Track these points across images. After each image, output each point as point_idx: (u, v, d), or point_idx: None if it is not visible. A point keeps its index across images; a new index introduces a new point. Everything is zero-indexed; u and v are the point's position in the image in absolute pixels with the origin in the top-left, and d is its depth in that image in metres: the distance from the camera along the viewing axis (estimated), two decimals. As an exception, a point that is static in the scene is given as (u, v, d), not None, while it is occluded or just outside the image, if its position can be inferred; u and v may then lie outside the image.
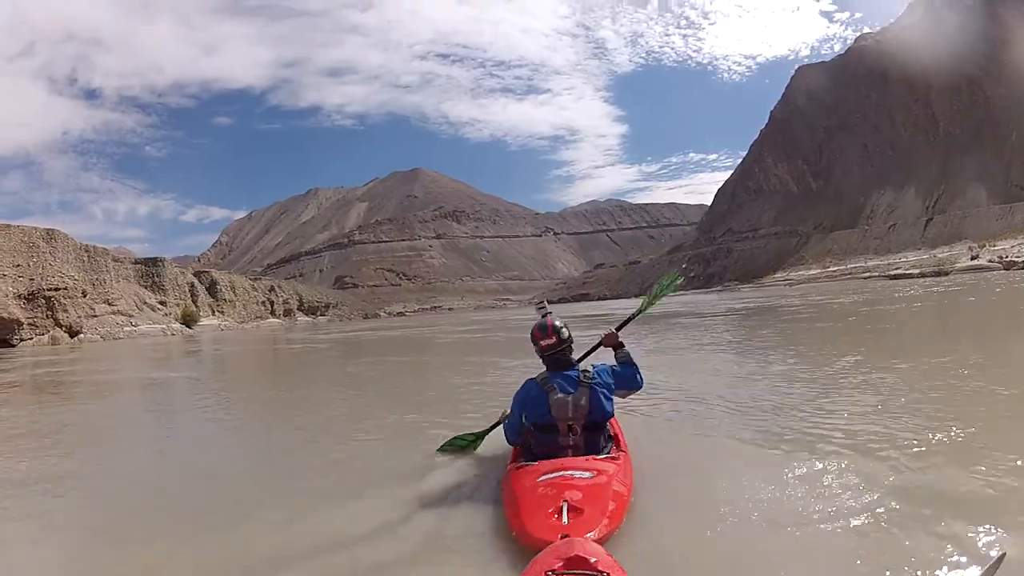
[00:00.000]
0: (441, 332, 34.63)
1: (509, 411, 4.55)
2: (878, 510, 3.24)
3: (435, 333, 33.45)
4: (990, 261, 43.37)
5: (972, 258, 48.13)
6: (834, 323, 17.88)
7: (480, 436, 5.16)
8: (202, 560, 3.41)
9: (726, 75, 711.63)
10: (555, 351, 4.35)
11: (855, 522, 3.12)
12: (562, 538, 2.79)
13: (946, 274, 44.09)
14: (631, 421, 5.29)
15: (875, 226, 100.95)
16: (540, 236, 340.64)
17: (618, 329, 4.79)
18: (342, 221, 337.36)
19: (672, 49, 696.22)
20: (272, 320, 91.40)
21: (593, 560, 2.48)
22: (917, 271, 50.29)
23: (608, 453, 4.25)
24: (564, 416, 4.22)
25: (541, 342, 4.36)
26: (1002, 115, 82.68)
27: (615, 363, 4.55)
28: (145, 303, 62.23)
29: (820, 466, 3.94)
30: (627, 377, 4.52)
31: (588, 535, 3.08)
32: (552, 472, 3.80)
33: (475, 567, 3.07)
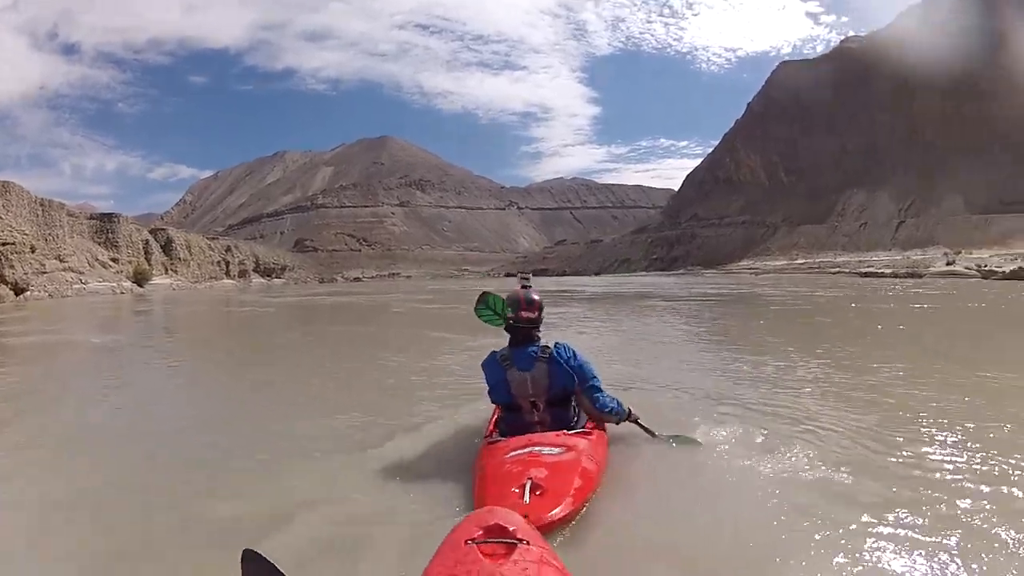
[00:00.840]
0: (396, 301, 34.16)
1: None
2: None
3: (390, 301, 33.43)
4: (967, 268, 42.84)
5: (948, 263, 47.62)
6: (837, 318, 16.85)
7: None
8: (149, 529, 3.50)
9: (704, 66, 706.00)
10: (530, 325, 4.37)
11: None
12: (525, 518, 2.76)
13: (920, 276, 43.64)
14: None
15: (845, 224, 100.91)
16: (504, 209, 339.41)
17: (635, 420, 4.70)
18: (307, 184, 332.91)
19: (653, 36, 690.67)
20: (227, 281, 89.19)
21: (512, 528, 2.52)
22: (890, 271, 49.84)
23: (582, 428, 4.25)
24: (524, 393, 4.25)
25: (523, 312, 4.36)
26: (987, 128, 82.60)
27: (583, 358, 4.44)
28: (97, 260, 60.10)
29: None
30: (608, 402, 4.44)
31: (550, 513, 3.21)
32: (521, 448, 3.81)
33: (433, 537, 2.79)
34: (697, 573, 2.90)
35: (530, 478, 3.43)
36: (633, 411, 4.67)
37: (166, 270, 73.32)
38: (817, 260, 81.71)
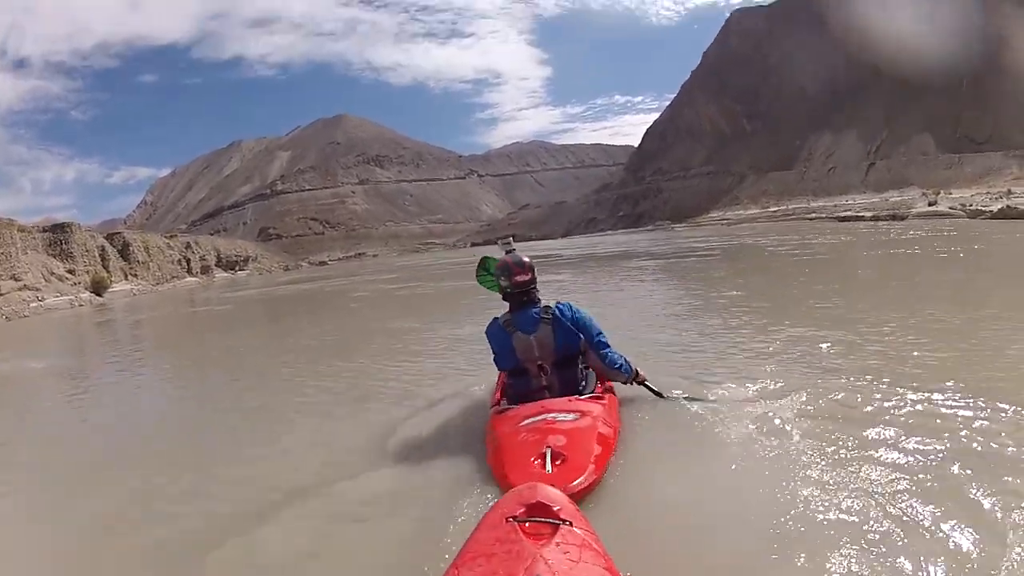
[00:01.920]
0: (360, 284, 33.85)
1: None
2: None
3: (353, 285, 32.74)
4: (951, 208, 42.17)
5: (929, 204, 46.90)
6: (871, 268, 15.31)
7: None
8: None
9: (654, 19, 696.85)
10: (528, 287, 4.45)
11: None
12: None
13: (903, 219, 43.13)
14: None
15: (813, 168, 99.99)
16: (464, 179, 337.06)
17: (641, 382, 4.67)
18: (265, 172, 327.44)
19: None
20: (189, 279, 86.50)
21: (556, 508, 2.49)
22: (870, 214, 49.19)
23: (592, 392, 4.31)
24: (531, 357, 4.30)
25: (516, 277, 4.43)
26: (950, 63, 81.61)
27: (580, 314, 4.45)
28: (53, 274, 57.45)
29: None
30: (615, 359, 4.46)
31: (574, 483, 3.23)
32: (534, 416, 3.83)
33: (452, 512, 3.02)
34: (718, 540, 2.88)
35: (549, 447, 3.42)
36: (641, 372, 4.68)
37: (125, 275, 70.53)
38: (791, 207, 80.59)
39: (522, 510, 2.47)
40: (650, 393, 4.69)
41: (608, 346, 4.49)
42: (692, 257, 23.17)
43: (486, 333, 4.52)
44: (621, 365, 4.49)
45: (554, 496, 2.57)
